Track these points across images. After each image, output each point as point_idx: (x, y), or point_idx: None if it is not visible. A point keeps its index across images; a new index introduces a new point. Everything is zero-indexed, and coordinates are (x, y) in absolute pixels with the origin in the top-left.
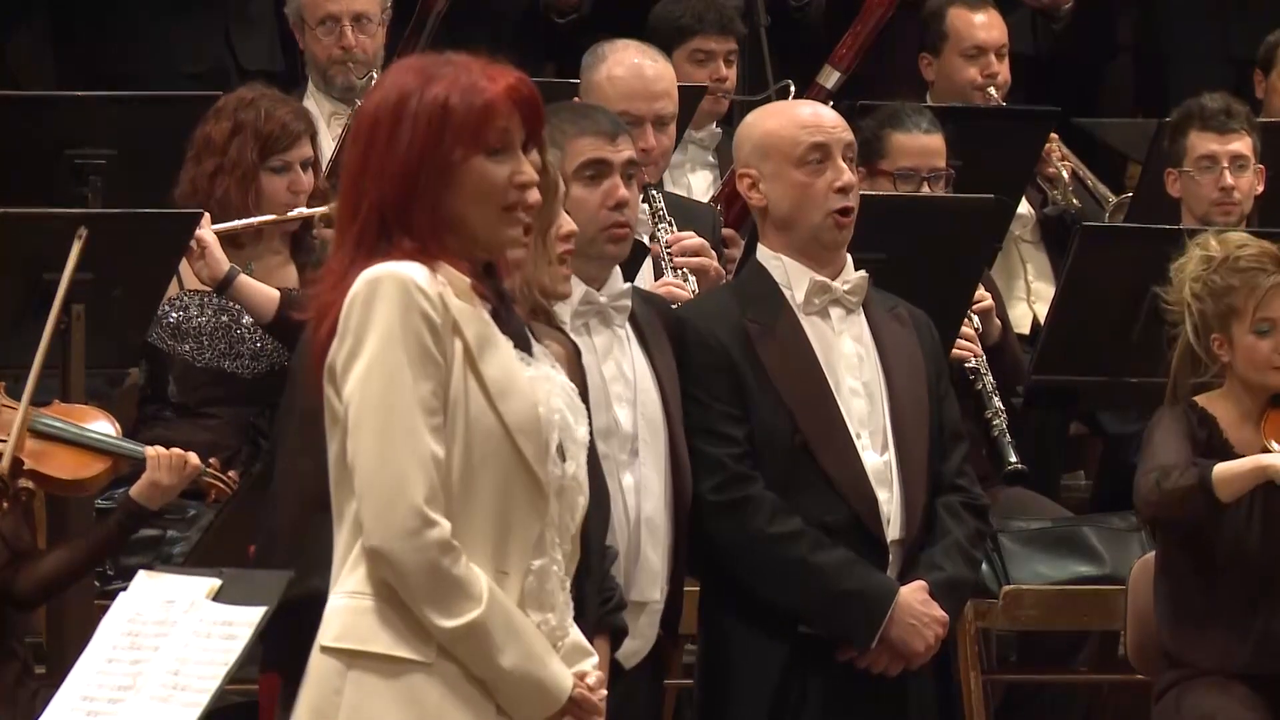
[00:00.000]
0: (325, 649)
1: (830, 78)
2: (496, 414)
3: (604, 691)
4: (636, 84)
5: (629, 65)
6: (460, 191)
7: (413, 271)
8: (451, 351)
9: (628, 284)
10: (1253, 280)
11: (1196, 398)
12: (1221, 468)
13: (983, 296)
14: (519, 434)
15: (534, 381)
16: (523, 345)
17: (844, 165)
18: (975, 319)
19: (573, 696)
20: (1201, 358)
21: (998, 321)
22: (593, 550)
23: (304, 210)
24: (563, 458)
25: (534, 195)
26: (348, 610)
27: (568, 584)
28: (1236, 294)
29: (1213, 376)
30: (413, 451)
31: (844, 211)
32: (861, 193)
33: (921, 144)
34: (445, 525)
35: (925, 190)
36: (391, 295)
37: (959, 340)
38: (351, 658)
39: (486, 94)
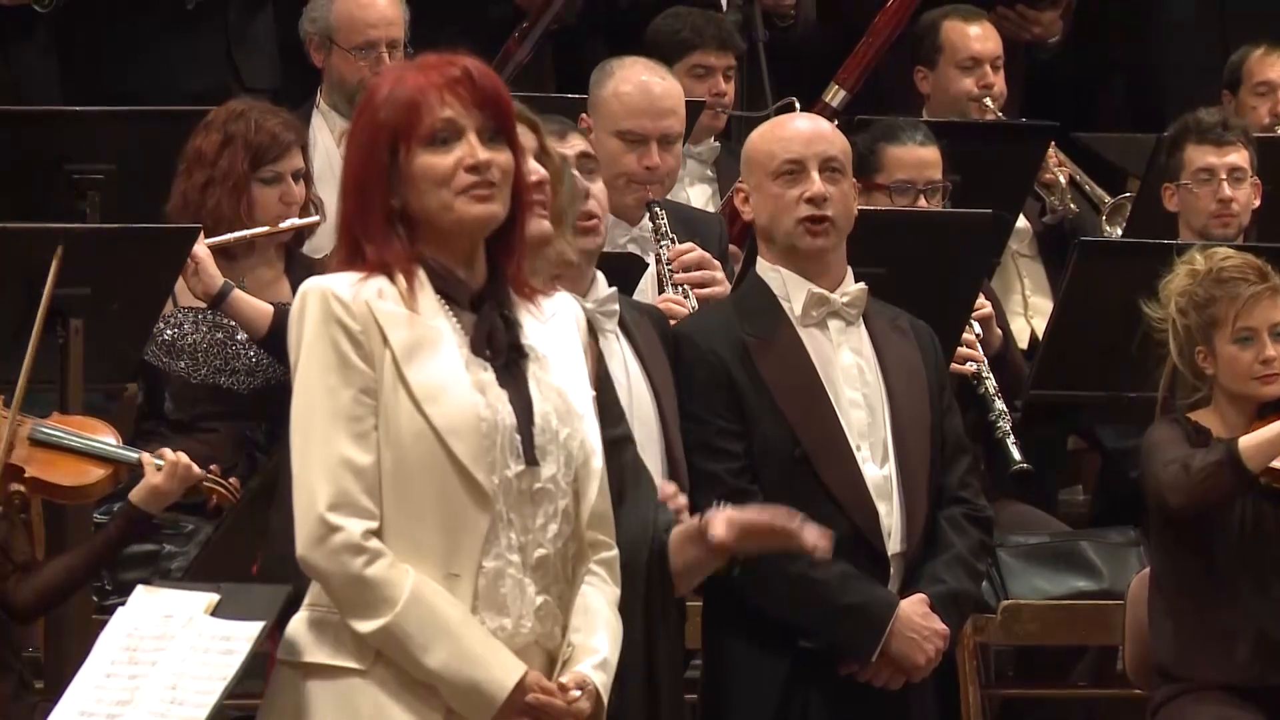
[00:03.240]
0: (280, 662)
1: (836, 96)
2: (424, 416)
3: (579, 698)
4: (643, 101)
5: (636, 82)
6: (411, 189)
7: (334, 283)
8: (380, 357)
9: (612, 289)
10: (1234, 290)
11: (1187, 414)
12: (1247, 438)
13: (983, 304)
14: (450, 435)
15: (484, 384)
16: (495, 351)
17: (816, 178)
18: (976, 326)
19: (528, 701)
20: (1187, 376)
21: (999, 330)
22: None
23: (296, 221)
24: (533, 461)
25: (494, 173)
26: (300, 623)
27: (541, 587)
28: (1218, 304)
29: (1199, 398)
30: (322, 460)
31: (813, 220)
32: (861, 208)
33: (917, 156)
34: (352, 529)
35: (922, 203)
36: (312, 308)
37: (960, 348)
38: (301, 669)
39: (411, 87)
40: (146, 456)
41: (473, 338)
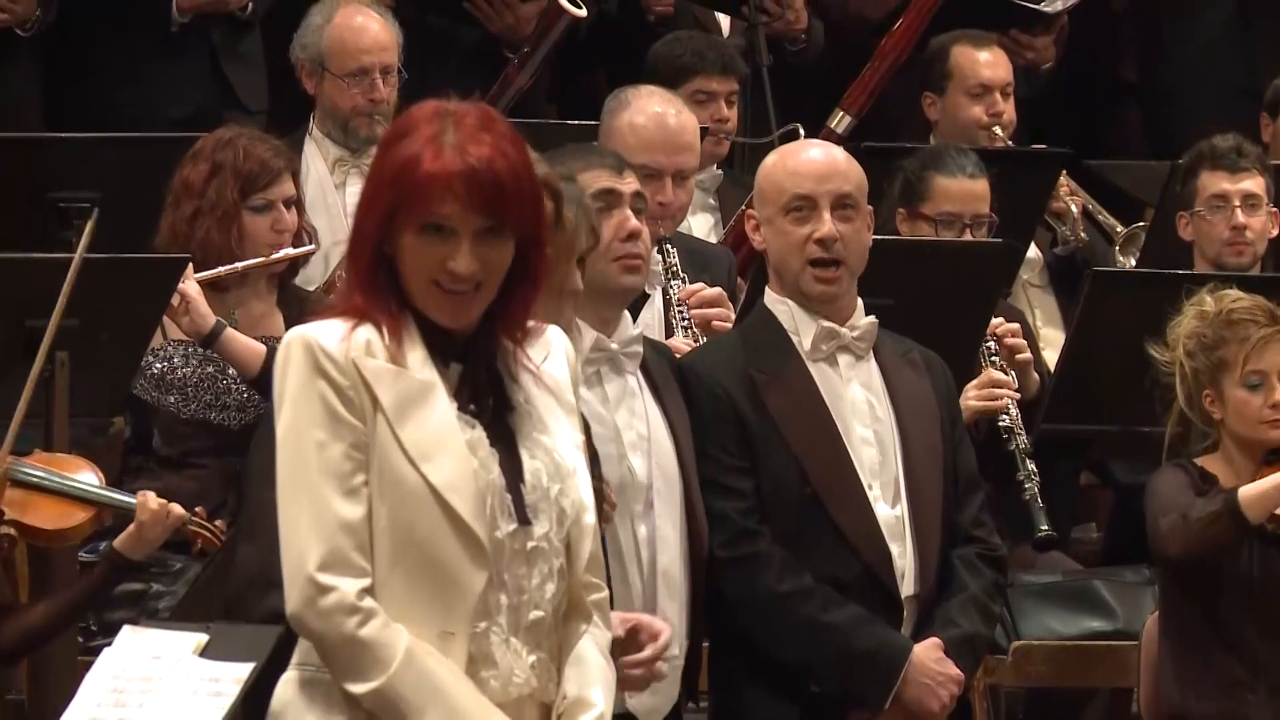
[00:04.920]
0: None
1: (842, 122)
2: (420, 474)
3: None
4: (659, 135)
5: (652, 115)
6: (399, 257)
7: (322, 333)
8: (370, 413)
9: (638, 330)
10: (1243, 332)
11: (1194, 460)
12: (1247, 489)
13: (1020, 346)
14: (449, 492)
15: (475, 442)
16: (482, 406)
17: (827, 218)
18: (1011, 372)
19: None
20: (1194, 421)
21: (1036, 376)
22: None
23: (290, 251)
24: (525, 520)
25: (476, 277)
26: (289, 683)
27: (532, 646)
28: (1227, 347)
29: (1206, 446)
30: (312, 519)
31: (820, 263)
32: (875, 236)
33: (965, 189)
34: (345, 589)
35: (968, 237)
36: (298, 360)
37: (991, 389)
38: None
39: (422, 170)
40: (139, 498)
41: (458, 393)
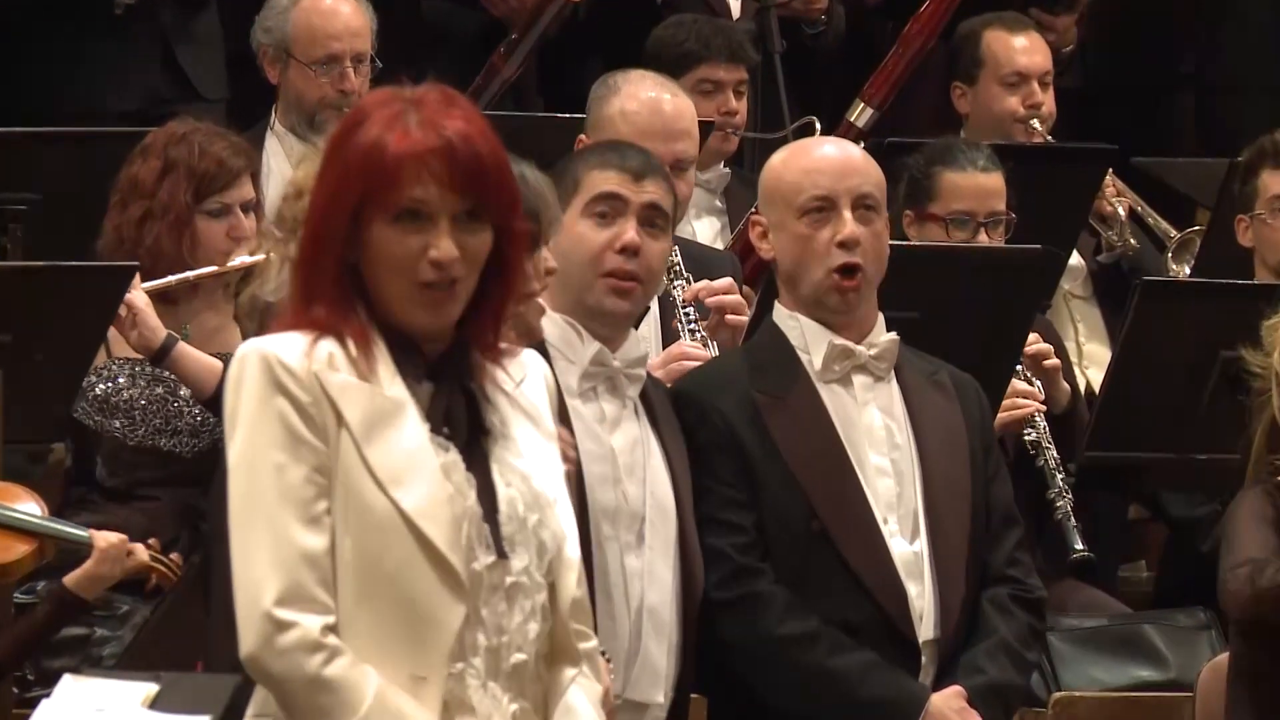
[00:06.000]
0: None
1: (863, 115)
2: (390, 499)
3: None
4: (653, 122)
5: (644, 100)
6: (369, 257)
7: (279, 347)
8: (337, 433)
9: (644, 352)
10: None
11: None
12: None
13: (1046, 352)
14: (422, 519)
15: (449, 466)
16: (455, 428)
17: (848, 217)
18: (1036, 382)
19: None
20: None
21: (1065, 386)
22: None
23: (247, 259)
24: (502, 553)
25: (457, 269)
26: None
27: (515, 693)
28: None
29: None
30: (269, 549)
31: (845, 271)
32: (892, 242)
33: (978, 184)
34: (307, 625)
35: (983, 238)
36: (255, 376)
37: (1015, 399)
38: None
39: (390, 151)
40: (99, 538)
41: (430, 413)
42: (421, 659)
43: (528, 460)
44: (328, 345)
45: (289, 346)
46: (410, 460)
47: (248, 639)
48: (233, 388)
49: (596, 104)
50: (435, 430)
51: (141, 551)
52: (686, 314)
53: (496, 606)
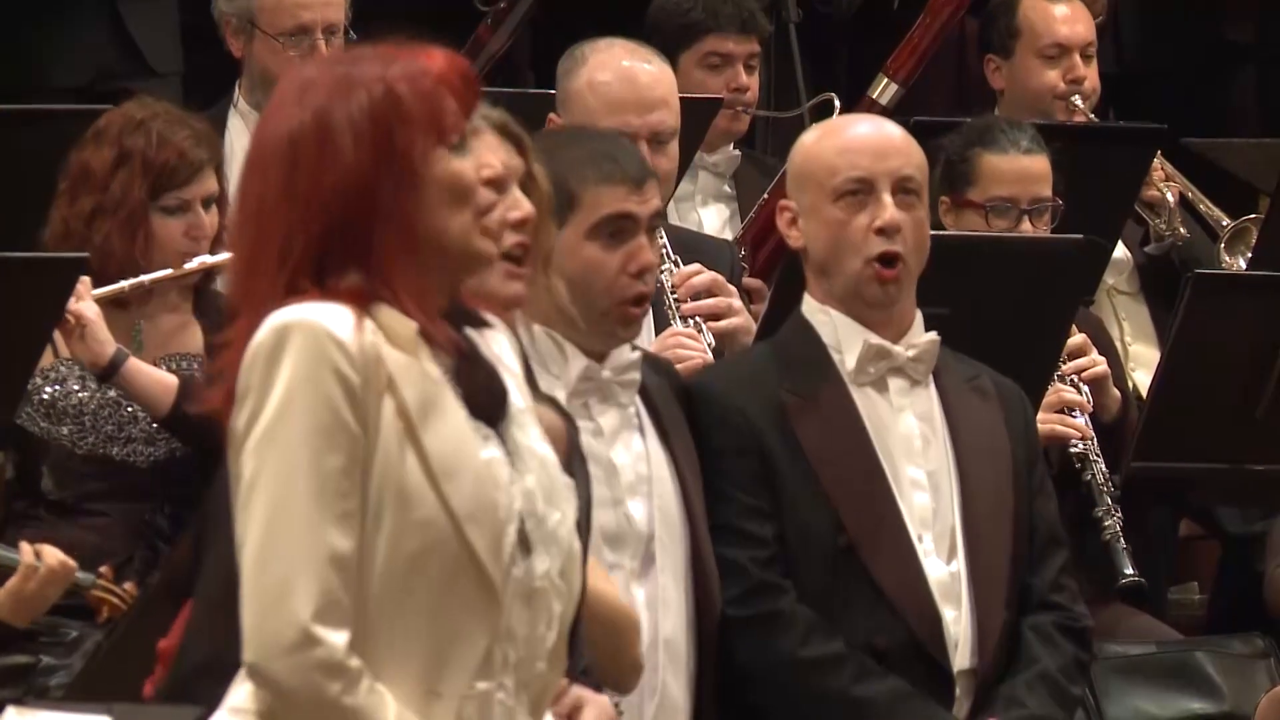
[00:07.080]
0: None
1: (886, 91)
2: (440, 496)
3: None
4: (626, 92)
5: (616, 69)
6: (427, 197)
7: (330, 319)
8: (378, 418)
9: (635, 352)
10: None
11: None
12: None
13: (1097, 360)
14: (469, 523)
15: (491, 464)
16: (489, 410)
17: (888, 201)
18: (1084, 388)
19: None
20: None
21: (1115, 392)
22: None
23: (206, 259)
24: (526, 552)
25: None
26: None
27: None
28: None
29: None
30: (305, 550)
31: (885, 260)
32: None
33: (1020, 167)
34: (335, 644)
35: (1026, 226)
36: (301, 349)
37: (1060, 409)
38: None
39: (433, 75)
40: (26, 550)
41: (468, 395)
42: (442, 674)
43: (541, 444)
44: (369, 320)
45: (338, 318)
46: (461, 451)
47: (263, 644)
48: (266, 357)
49: (564, 77)
50: (473, 415)
51: (71, 566)
52: (676, 300)
53: (520, 614)
